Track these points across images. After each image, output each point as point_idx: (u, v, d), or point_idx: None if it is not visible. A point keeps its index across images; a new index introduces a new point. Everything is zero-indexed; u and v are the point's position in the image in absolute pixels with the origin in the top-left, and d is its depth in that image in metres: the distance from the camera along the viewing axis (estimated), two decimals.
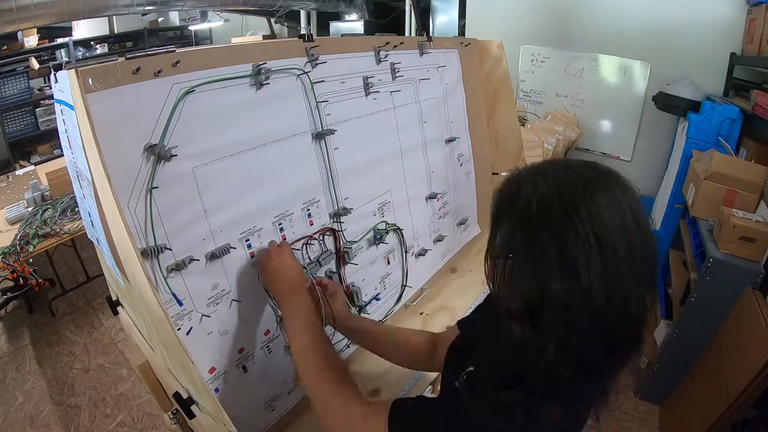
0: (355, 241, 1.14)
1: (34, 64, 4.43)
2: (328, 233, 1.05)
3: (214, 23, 4.88)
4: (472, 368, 0.68)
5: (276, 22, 4.72)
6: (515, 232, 0.53)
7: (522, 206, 0.52)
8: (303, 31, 1.09)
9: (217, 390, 0.83)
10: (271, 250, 0.87)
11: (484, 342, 0.73)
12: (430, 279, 1.43)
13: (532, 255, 0.50)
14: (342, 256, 1.09)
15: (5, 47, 4.29)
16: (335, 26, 4.26)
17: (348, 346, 1.13)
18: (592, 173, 0.52)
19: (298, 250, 0.97)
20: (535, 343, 0.51)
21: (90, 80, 0.62)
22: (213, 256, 0.81)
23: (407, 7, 3.69)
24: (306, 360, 0.75)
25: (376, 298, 1.23)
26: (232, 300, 0.85)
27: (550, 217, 0.49)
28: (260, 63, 0.85)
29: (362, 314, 1.17)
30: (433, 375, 1.07)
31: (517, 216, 0.53)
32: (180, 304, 0.76)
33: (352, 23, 4.15)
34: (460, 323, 0.87)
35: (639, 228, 0.50)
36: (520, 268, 0.52)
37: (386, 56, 1.17)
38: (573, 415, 0.58)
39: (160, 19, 5.73)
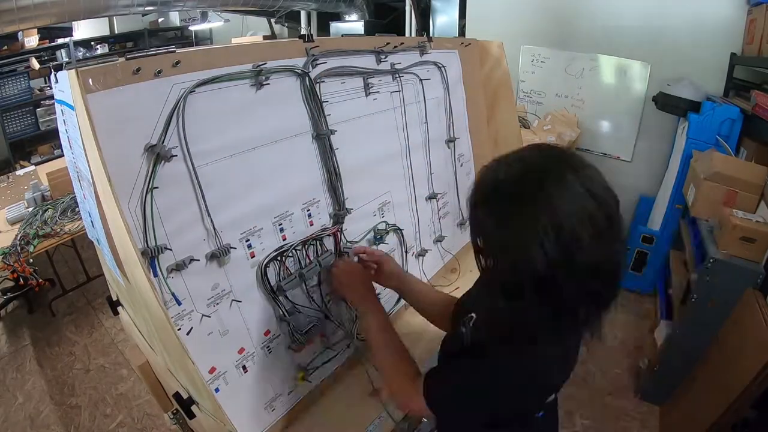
0: (356, 242, 1.14)
1: (35, 64, 4.43)
2: (329, 234, 1.05)
3: (215, 23, 4.88)
4: (473, 315, 0.80)
5: (276, 23, 4.72)
6: (490, 215, 0.61)
7: (495, 193, 0.60)
8: (303, 32, 1.09)
9: (217, 390, 0.83)
10: (338, 265, 1.02)
11: (481, 296, 0.87)
12: (430, 279, 1.43)
13: (504, 236, 0.58)
14: (342, 257, 1.09)
15: (6, 47, 4.29)
16: (335, 27, 4.26)
17: (348, 347, 1.13)
18: (545, 163, 0.59)
19: (299, 249, 0.97)
20: (524, 303, 0.59)
21: (90, 80, 0.62)
22: (213, 256, 0.81)
23: (407, 8, 3.69)
24: (379, 350, 0.91)
25: None
26: (232, 300, 0.85)
27: (517, 204, 0.57)
28: (260, 63, 0.85)
29: None
30: None
31: (490, 201, 0.61)
32: (180, 304, 0.76)
33: (353, 24, 4.15)
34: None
35: (596, 199, 0.56)
36: (498, 246, 0.61)
37: (386, 57, 1.17)
38: (574, 348, 0.75)
39: (160, 20, 5.73)
